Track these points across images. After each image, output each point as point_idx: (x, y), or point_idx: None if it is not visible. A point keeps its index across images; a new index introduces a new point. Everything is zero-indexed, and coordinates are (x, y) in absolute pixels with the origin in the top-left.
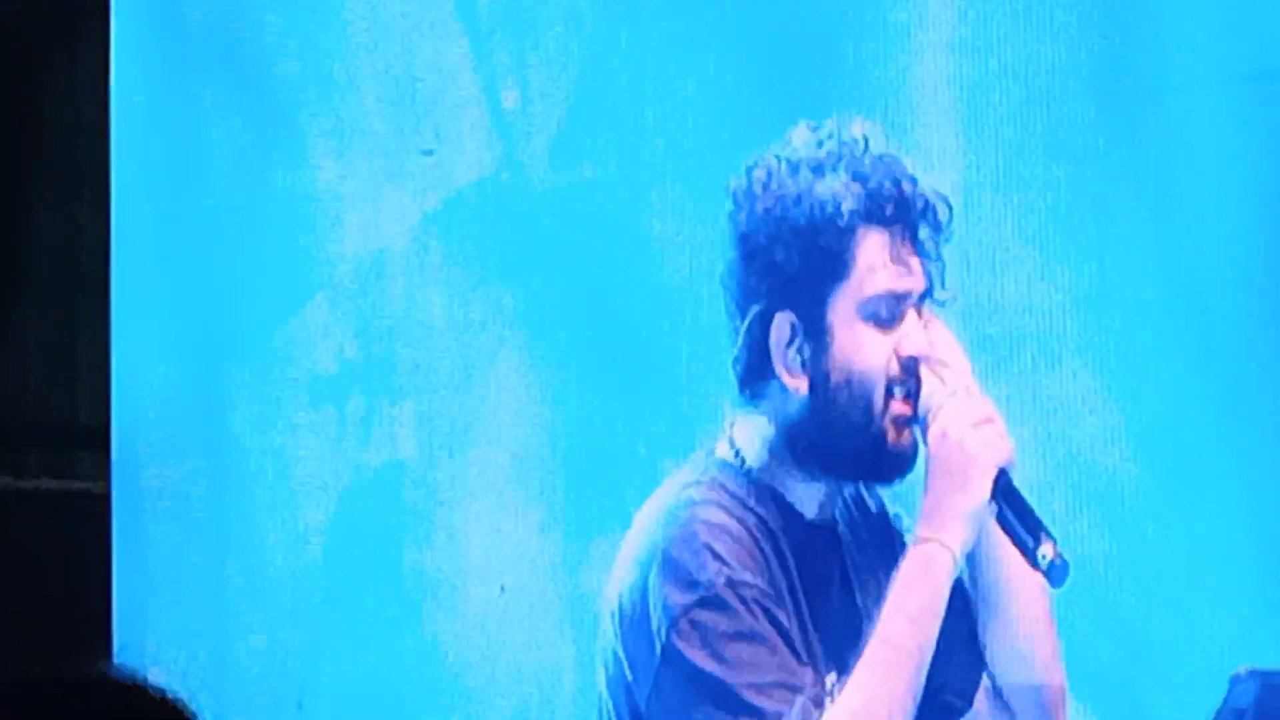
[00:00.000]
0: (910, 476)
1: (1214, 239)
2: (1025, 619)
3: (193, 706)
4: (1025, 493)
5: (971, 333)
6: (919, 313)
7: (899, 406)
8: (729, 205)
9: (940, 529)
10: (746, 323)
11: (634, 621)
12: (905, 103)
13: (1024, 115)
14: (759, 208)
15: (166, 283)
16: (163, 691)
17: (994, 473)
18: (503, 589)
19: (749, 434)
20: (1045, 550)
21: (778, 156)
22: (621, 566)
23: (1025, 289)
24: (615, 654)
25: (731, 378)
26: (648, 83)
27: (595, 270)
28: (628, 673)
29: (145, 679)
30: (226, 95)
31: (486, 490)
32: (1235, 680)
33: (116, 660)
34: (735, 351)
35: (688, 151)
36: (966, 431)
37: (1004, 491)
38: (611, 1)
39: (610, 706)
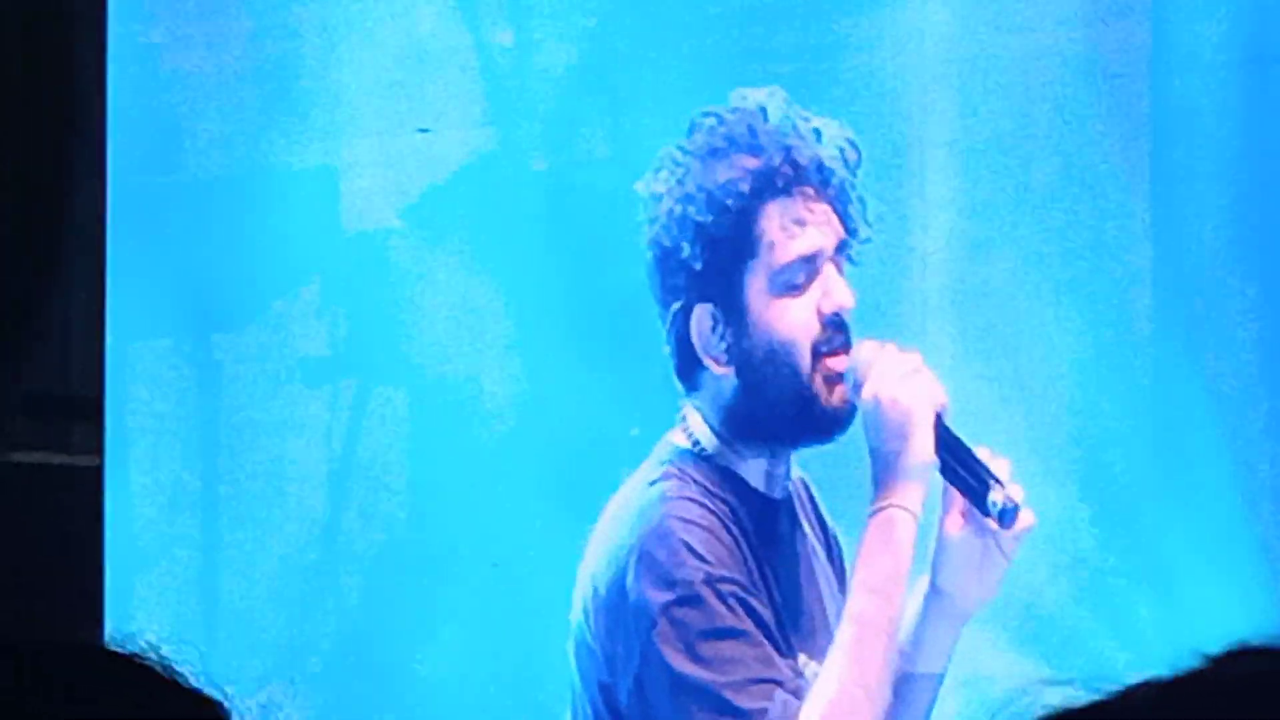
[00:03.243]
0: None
1: (1201, 211)
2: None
3: (185, 680)
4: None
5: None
6: (838, 265)
7: (831, 363)
8: (641, 212)
9: (893, 492)
10: (669, 320)
11: (612, 618)
12: (899, 88)
13: (1020, 94)
14: (662, 209)
15: (161, 257)
16: (164, 664)
17: (932, 420)
18: (495, 565)
19: (698, 421)
20: (995, 496)
21: (682, 149)
22: (594, 561)
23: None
24: (590, 649)
25: (670, 370)
26: (642, 62)
27: (589, 250)
28: (605, 670)
29: (145, 653)
30: (223, 71)
31: (479, 470)
32: None
33: (108, 632)
34: (667, 347)
35: (682, 131)
36: (897, 386)
37: (944, 440)
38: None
39: (586, 702)
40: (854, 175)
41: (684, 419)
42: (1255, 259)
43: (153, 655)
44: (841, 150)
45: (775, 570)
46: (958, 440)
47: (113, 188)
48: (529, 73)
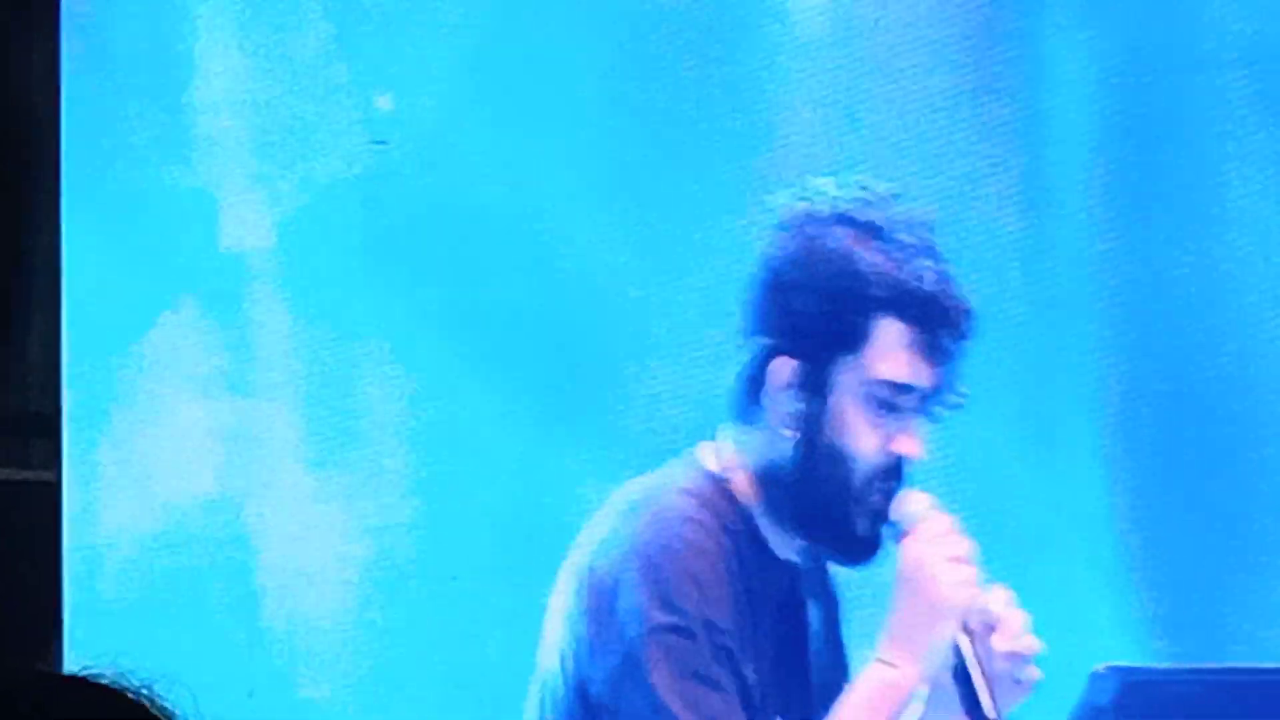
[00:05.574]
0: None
1: (1075, 221)
2: None
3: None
4: None
5: None
6: (921, 416)
7: (875, 499)
8: (768, 229)
9: (906, 658)
10: (752, 352)
11: (600, 602)
12: (773, 110)
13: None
14: (794, 246)
15: (114, 269)
16: (121, 687)
17: (961, 617)
18: (353, 584)
19: (735, 452)
20: None
21: (824, 195)
22: (596, 542)
23: None
24: (572, 622)
25: (732, 393)
26: (522, 79)
27: (472, 267)
28: (584, 649)
29: (98, 676)
30: (104, 90)
31: (361, 485)
32: (1095, 677)
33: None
34: (741, 369)
35: (560, 146)
36: (941, 567)
37: (962, 646)
38: (484, 5)
39: (560, 680)
40: (962, 341)
41: (719, 440)
42: (1129, 272)
43: (111, 677)
44: (961, 315)
45: (768, 630)
46: (976, 655)
47: (67, 200)
48: (404, 90)
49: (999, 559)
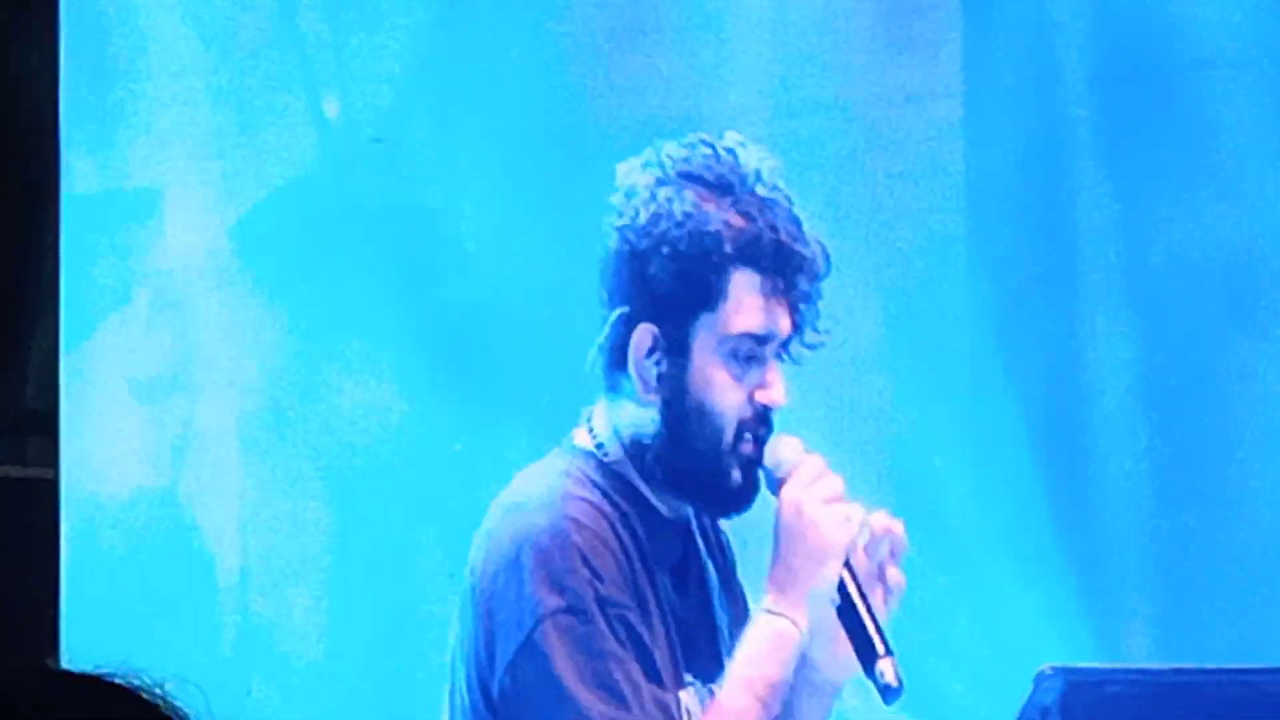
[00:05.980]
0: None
1: (1012, 221)
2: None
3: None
4: None
5: None
6: (780, 359)
7: (746, 447)
8: (616, 196)
9: (793, 607)
10: (611, 320)
11: (497, 594)
12: (707, 108)
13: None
14: (643, 214)
15: (109, 266)
16: (133, 687)
17: (844, 557)
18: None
19: (606, 425)
20: (884, 666)
21: (671, 158)
22: (489, 535)
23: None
24: (473, 614)
25: (597, 364)
26: (471, 71)
27: (415, 271)
28: (484, 657)
29: (110, 675)
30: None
31: (307, 486)
32: (1040, 678)
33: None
34: (600, 340)
35: (507, 149)
36: (821, 510)
37: (846, 585)
38: (433, 7)
39: (464, 682)
40: (819, 282)
41: (589, 419)
42: (1065, 272)
43: (123, 676)
44: (815, 257)
45: (667, 589)
46: (861, 592)
47: (66, 199)
48: (354, 93)
49: (941, 564)
